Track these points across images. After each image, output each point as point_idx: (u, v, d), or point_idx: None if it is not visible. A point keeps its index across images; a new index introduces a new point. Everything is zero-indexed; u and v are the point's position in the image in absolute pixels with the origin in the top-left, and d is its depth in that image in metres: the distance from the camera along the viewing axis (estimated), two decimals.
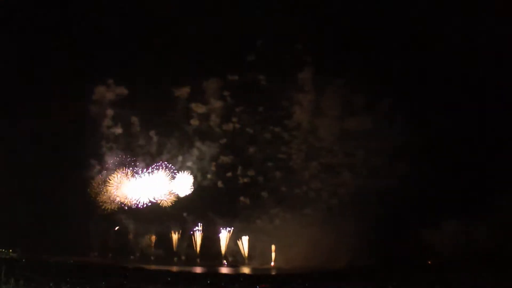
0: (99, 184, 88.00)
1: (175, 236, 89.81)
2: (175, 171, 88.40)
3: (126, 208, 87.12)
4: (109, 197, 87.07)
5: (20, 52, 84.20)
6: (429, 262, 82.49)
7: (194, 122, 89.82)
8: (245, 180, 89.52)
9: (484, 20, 75.95)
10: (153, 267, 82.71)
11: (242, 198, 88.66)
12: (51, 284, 58.35)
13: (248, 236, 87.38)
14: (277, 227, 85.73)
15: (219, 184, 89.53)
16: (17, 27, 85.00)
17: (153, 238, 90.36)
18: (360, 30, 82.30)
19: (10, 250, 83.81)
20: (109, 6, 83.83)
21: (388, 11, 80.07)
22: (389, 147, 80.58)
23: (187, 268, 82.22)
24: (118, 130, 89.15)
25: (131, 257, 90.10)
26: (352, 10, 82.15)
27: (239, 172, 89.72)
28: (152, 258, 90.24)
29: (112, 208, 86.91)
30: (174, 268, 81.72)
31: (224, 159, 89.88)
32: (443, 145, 79.35)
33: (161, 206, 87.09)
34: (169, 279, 67.27)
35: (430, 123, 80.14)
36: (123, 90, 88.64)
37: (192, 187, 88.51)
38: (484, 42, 76.55)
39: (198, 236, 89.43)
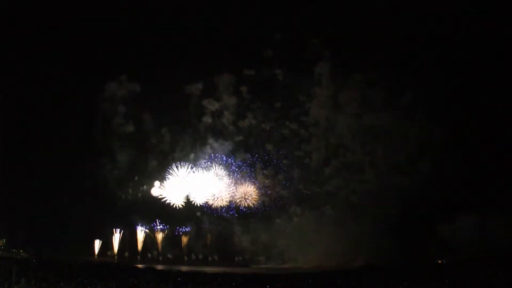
0: None
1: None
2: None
3: None
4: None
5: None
6: (440, 262, 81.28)
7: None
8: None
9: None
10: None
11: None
12: (62, 284, 58.38)
13: (263, 235, 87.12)
14: (293, 226, 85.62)
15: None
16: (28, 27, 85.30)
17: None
18: (380, 23, 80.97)
19: (21, 251, 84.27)
20: (123, 3, 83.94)
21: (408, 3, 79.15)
22: (408, 144, 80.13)
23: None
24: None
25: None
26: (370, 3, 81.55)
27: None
28: None
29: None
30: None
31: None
32: (461, 142, 78.07)
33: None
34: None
35: (447, 120, 78.75)
36: None
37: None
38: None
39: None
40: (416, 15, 78.96)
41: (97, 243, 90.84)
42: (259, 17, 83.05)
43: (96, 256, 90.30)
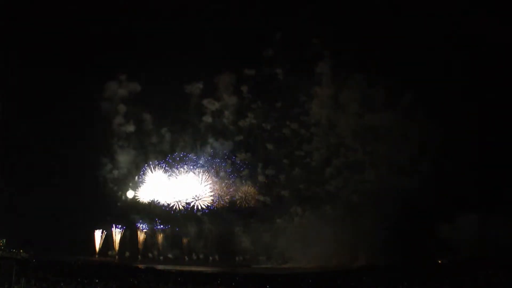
0: None
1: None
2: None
3: None
4: None
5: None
6: (439, 262, 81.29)
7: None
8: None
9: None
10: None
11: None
12: (62, 284, 58.30)
13: (264, 235, 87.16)
14: (294, 226, 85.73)
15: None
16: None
17: None
18: (381, 23, 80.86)
19: (21, 251, 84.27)
20: (123, 3, 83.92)
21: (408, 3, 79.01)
22: (408, 144, 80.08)
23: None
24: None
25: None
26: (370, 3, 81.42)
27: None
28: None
29: None
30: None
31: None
32: (461, 142, 77.94)
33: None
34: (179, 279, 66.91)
35: (447, 120, 78.71)
36: None
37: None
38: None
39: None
40: (416, 15, 78.82)
41: (97, 236, 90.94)
42: (259, 17, 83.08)
43: (96, 256, 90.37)
